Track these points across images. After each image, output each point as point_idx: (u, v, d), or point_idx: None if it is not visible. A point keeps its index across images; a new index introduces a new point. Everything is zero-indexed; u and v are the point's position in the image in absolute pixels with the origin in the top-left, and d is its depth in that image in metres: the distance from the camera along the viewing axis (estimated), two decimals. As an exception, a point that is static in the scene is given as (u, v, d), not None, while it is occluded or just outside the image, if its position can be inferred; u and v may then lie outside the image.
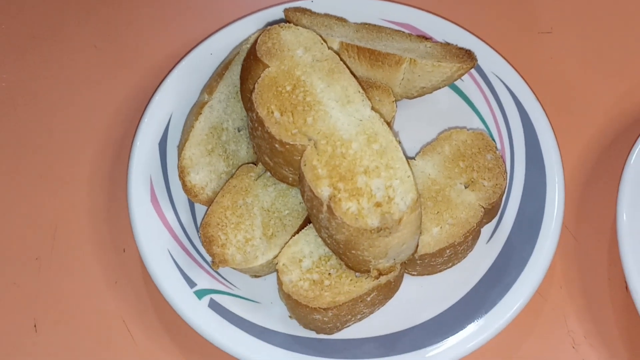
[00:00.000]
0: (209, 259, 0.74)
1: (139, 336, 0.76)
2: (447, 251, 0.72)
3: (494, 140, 0.81)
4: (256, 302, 0.74)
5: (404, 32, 0.85)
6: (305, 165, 0.68)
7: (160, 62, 0.91)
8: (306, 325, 0.71)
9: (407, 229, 0.66)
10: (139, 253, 0.75)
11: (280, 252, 0.72)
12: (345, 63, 0.73)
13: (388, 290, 0.72)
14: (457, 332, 0.71)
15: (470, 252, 0.76)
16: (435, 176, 0.76)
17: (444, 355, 0.70)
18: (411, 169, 0.68)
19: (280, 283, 0.70)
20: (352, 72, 0.73)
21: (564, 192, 0.78)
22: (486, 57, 0.86)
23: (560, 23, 0.95)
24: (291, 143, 0.69)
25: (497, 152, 0.77)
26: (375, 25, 0.86)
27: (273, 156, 0.71)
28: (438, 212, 0.74)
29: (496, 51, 0.86)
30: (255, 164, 0.77)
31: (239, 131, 0.80)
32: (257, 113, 0.70)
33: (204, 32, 0.90)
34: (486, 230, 0.77)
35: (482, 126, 0.84)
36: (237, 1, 0.97)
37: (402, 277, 0.74)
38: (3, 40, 0.94)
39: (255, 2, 0.93)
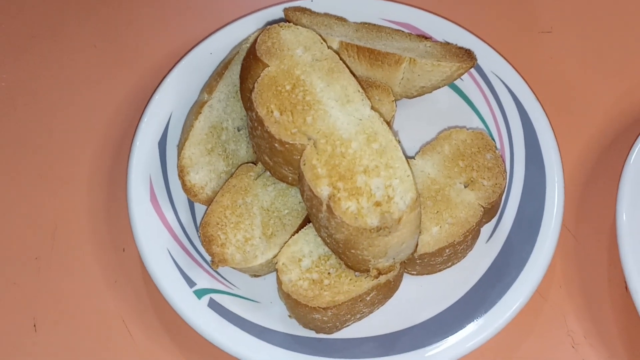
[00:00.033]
0: (208, 258, 0.75)
1: (138, 335, 0.76)
2: (447, 250, 0.72)
3: (493, 139, 0.81)
4: (256, 301, 0.74)
5: (403, 31, 0.85)
6: (304, 164, 0.68)
7: (160, 62, 0.91)
8: (306, 324, 0.71)
9: (407, 229, 0.66)
10: (139, 252, 0.75)
11: (279, 251, 0.72)
12: (344, 62, 0.73)
13: (387, 290, 0.72)
14: (456, 331, 0.71)
15: (469, 251, 0.76)
16: (435, 175, 0.76)
17: (444, 355, 0.70)
18: (411, 168, 0.68)
19: (279, 282, 0.70)
20: (351, 72, 0.73)
21: (563, 191, 0.78)
22: (486, 56, 0.86)
23: (560, 23, 0.95)
24: (291, 142, 0.69)
25: (497, 151, 0.77)
26: (374, 25, 0.86)
27: (273, 155, 0.71)
28: (437, 211, 0.74)
29: (496, 51, 0.86)
30: (254, 163, 0.77)
31: (238, 130, 0.80)
32: (257, 112, 0.70)
33: (203, 32, 0.90)
34: (486, 229, 0.77)
35: (481, 126, 0.84)
36: (237, 1, 0.97)
37: (401, 276, 0.74)
38: (3, 40, 0.94)
39: (255, 2, 0.93)
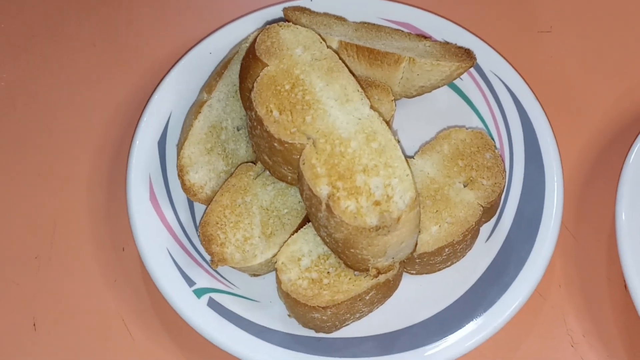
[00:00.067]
0: (208, 257, 0.75)
1: (137, 335, 0.76)
2: (446, 250, 0.72)
3: (493, 139, 0.81)
4: (255, 300, 0.74)
5: (403, 31, 0.85)
6: (304, 164, 0.68)
7: (160, 61, 0.91)
8: (305, 324, 0.72)
9: (406, 228, 0.66)
10: (138, 252, 0.75)
11: (279, 250, 0.72)
12: (344, 62, 0.73)
13: (387, 289, 0.72)
14: (456, 330, 0.72)
15: (469, 251, 0.76)
16: (434, 175, 0.76)
17: (443, 354, 0.70)
18: (410, 167, 0.68)
19: (279, 282, 0.70)
20: (351, 71, 0.73)
21: (562, 191, 0.78)
22: (485, 56, 0.86)
23: (560, 22, 0.95)
24: (290, 142, 0.69)
25: (496, 151, 0.77)
26: (374, 24, 0.86)
27: (272, 155, 0.71)
28: (437, 210, 0.74)
29: (495, 50, 0.86)
30: (254, 162, 0.77)
31: (238, 130, 0.80)
32: (256, 112, 0.70)
33: (203, 31, 0.90)
34: (485, 229, 0.77)
35: (481, 125, 0.84)
36: (236, 0, 0.97)
37: (401, 275, 0.74)
38: (3, 40, 0.94)
39: (255, 1, 0.93)
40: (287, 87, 0.71)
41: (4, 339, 0.76)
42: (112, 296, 0.78)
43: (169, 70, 0.84)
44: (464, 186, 0.75)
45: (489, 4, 0.97)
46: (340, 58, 0.74)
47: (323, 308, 0.68)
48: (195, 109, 0.79)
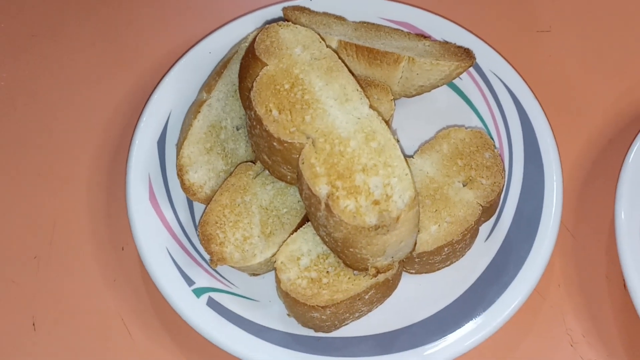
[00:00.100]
0: (207, 257, 0.75)
1: (137, 334, 0.76)
2: (445, 249, 0.72)
3: (492, 138, 0.81)
4: (254, 300, 0.74)
5: (402, 30, 0.85)
6: (303, 163, 0.68)
7: (159, 61, 0.91)
8: (304, 323, 0.72)
9: (405, 227, 0.66)
10: (138, 251, 0.75)
11: (278, 250, 0.72)
12: (343, 61, 0.73)
13: (386, 289, 0.72)
14: (455, 330, 0.72)
15: (468, 250, 0.76)
16: (434, 174, 0.76)
17: (442, 354, 0.70)
18: (409, 167, 0.68)
19: (278, 281, 0.70)
20: (350, 71, 0.73)
21: (562, 190, 0.78)
22: (485, 55, 0.86)
23: (559, 21, 0.95)
24: (289, 141, 0.69)
25: (496, 150, 0.77)
26: (373, 24, 0.86)
27: (271, 154, 0.71)
28: (436, 210, 0.74)
29: (495, 50, 0.86)
30: (253, 162, 0.77)
31: (237, 129, 0.80)
32: (256, 111, 0.70)
33: (202, 31, 0.90)
34: (484, 228, 0.77)
35: (480, 124, 0.84)
36: (236, 0, 0.97)
37: (400, 275, 0.74)
38: (3, 40, 0.94)
39: (254, 1, 0.93)
40: (287, 86, 0.71)
41: (3, 339, 0.76)
42: (111, 296, 0.78)
43: (168, 70, 0.84)
44: (463, 185, 0.75)
45: (488, 4, 0.97)
46: (340, 57, 0.74)
47: (322, 307, 0.68)
48: (195, 108, 0.79)
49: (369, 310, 0.73)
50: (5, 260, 0.80)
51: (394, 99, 0.79)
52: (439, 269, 0.75)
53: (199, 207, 0.78)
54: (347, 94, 0.71)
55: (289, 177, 0.73)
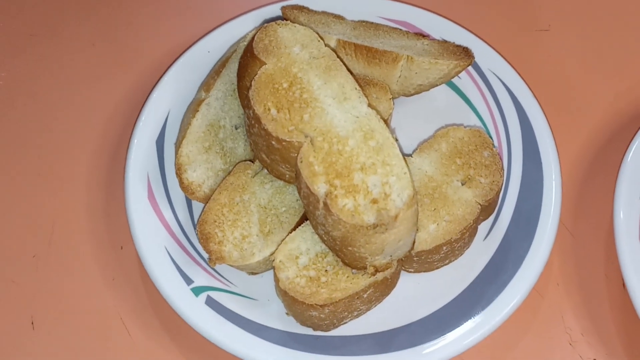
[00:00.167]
0: (206, 256, 0.75)
1: (136, 333, 0.76)
2: (444, 248, 0.72)
3: (491, 137, 0.81)
4: (253, 299, 0.74)
5: (401, 29, 0.85)
6: (301, 162, 0.68)
7: (158, 60, 0.91)
8: (303, 322, 0.72)
9: (404, 226, 0.66)
10: (137, 250, 0.75)
11: (277, 249, 0.72)
12: (342, 60, 0.74)
13: (385, 287, 0.72)
14: (454, 329, 0.72)
15: (467, 249, 0.76)
16: (432, 173, 0.76)
17: (441, 352, 0.70)
18: (408, 165, 0.68)
19: (277, 280, 0.70)
20: (349, 70, 0.73)
21: (561, 189, 0.78)
22: (483, 54, 0.86)
23: (558, 20, 0.95)
24: (288, 140, 0.69)
25: (494, 149, 0.77)
26: (372, 23, 0.86)
27: (270, 153, 0.71)
28: (435, 209, 0.74)
29: (493, 49, 0.86)
30: (252, 161, 0.77)
31: (236, 128, 0.80)
32: (254, 110, 0.70)
33: (201, 30, 0.90)
34: (483, 227, 0.77)
35: (479, 123, 0.84)
36: (235, -1, 0.97)
37: (398, 274, 0.74)
38: (2, 39, 0.94)
39: (253, 0, 0.93)
40: (285, 85, 0.71)
41: (2, 338, 0.76)
42: (110, 295, 0.78)
43: (167, 69, 0.84)
44: (462, 184, 0.75)
45: (487, 3, 0.97)
46: (338, 56, 0.74)
47: (321, 306, 0.68)
48: (193, 107, 0.79)
49: (368, 309, 0.73)
50: (4, 260, 0.80)
51: (393, 98, 0.79)
52: (437, 268, 0.75)
53: (197, 206, 0.78)
54: (346, 92, 0.71)
55: (287, 175, 0.73)
